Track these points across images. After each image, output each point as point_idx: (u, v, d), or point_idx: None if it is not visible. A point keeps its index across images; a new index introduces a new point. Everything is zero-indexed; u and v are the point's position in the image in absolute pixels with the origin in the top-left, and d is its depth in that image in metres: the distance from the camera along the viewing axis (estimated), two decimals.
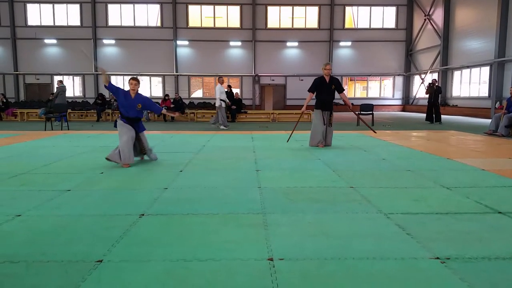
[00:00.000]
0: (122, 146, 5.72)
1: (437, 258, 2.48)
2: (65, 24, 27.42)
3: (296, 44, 27.97)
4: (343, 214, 3.41)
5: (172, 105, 17.86)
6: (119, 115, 6.13)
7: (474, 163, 5.92)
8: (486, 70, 20.02)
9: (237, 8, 27.65)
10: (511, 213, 3.39)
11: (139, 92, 6.21)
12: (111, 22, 27.50)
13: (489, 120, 11.85)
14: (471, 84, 21.67)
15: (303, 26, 28.11)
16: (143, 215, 3.38)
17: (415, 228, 3.04)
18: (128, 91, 6.07)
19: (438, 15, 24.26)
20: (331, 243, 2.74)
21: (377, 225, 3.14)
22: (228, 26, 27.82)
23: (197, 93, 28.29)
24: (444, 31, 23.27)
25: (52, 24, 27.37)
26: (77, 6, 27.22)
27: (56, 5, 27.25)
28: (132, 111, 6.01)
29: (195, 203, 3.78)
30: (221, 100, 13.20)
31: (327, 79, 7.92)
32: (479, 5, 20.39)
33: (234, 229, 3.04)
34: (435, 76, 24.00)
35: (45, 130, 12.26)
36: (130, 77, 6.51)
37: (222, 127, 13.22)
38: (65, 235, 2.92)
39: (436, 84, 15.52)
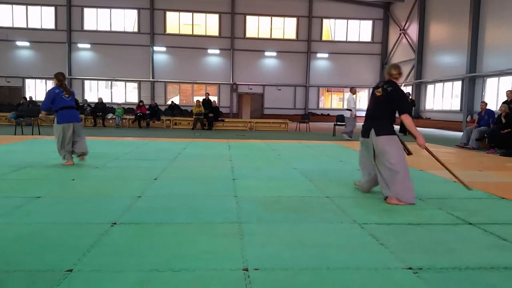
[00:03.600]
0: None
1: (410, 268, 2.51)
2: (38, 26, 26.81)
3: (274, 54, 28.22)
4: (319, 224, 3.42)
5: (147, 112, 17.66)
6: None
7: (446, 175, 6.04)
8: (458, 84, 20.66)
9: (216, 16, 27.72)
10: (481, 224, 3.47)
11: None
12: (86, 26, 27.05)
13: (461, 133, 12.19)
14: (444, 97, 22.31)
15: (281, 37, 28.42)
16: (115, 223, 3.30)
17: (388, 238, 3.07)
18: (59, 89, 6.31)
19: (413, 30, 24.95)
20: (306, 253, 2.74)
21: (352, 235, 3.16)
22: (207, 34, 27.84)
23: (174, 100, 28.08)
24: (419, 45, 23.94)
25: (25, 26, 26.71)
26: (52, 9, 26.69)
27: (29, 7, 26.63)
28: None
29: (169, 212, 3.72)
30: (348, 110, 12.61)
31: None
32: (451, 21, 21.10)
33: (209, 239, 3.00)
34: (409, 89, 24.61)
35: (15, 134, 11.89)
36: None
37: (347, 137, 12.58)
38: (34, 243, 2.81)
39: (410, 97, 15.91)
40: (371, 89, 29.13)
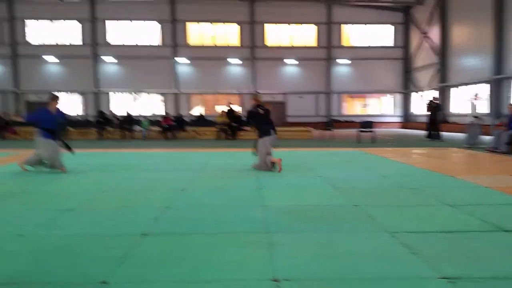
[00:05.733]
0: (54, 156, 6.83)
1: (444, 278, 2.45)
2: (66, 42, 27.72)
3: (295, 61, 28.26)
4: (348, 233, 3.38)
5: (173, 123, 17.92)
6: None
7: (477, 180, 5.90)
8: (484, 87, 20.17)
9: (236, 26, 28.02)
10: None
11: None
12: (111, 41, 27.81)
13: (489, 137, 11.85)
14: (469, 100, 21.80)
15: (301, 44, 28.47)
16: (145, 234, 3.35)
17: (420, 247, 3.00)
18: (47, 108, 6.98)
19: (434, 34, 24.58)
20: (336, 263, 2.71)
21: (382, 244, 3.10)
22: (228, 44, 28.15)
23: (197, 110, 28.46)
24: (441, 49, 23.53)
25: (53, 42, 27.67)
26: (78, 24, 27.58)
27: (57, 23, 27.59)
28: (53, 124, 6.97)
29: (197, 222, 3.75)
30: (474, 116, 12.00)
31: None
32: (474, 22, 20.68)
33: (237, 249, 3.00)
34: (434, 93, 24.17)
35: None
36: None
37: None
38: (68, 255, 2.88)
39: (436, 102, 15.61)
40: (395, 94, 28.85)
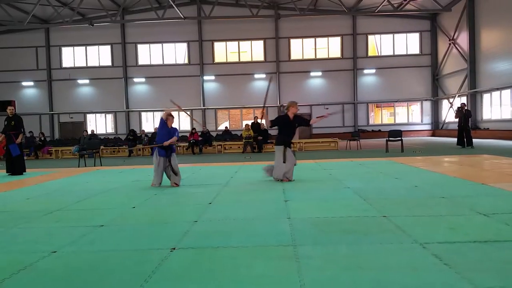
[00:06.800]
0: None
1: None
2: (97, 64, 28.72)
3: (319, 73, 28.22)
4: (377, 245, 3.31)
5: (200, 138, 18.17)
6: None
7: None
8: None
9: (261, 42, 28.31)
10: None
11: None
12: (140, 61, 28.62)
13: None
14: (502, 106, 21.14)
15: (326, 56, 28.43)
16: (174, 249, 3.39)
17: (453, 258, 2.92)
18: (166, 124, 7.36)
19: (463, 39, 24.08)
20: (365, 276, 2.67)
21: (413, 256, 3.03)
22: (253, 59, 28.46)
23: (224, 125, 28.75)
24: (470, 54, 23.01)
25: (84, 65, 28.73)
26: (108, 47, 28.55)
27: (88, 47, 28.68)
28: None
29: (225, 235, 3.77)
30: None
31: (291, 117, 7.59)
32: (503, 26, 20.16)
33: (265, 262, 3.00)
34: (464, 99, 23.58)
35: (78, 166, 12.63)
36: (163, 112, 7.67)
37: None
38: (100, 271, 2.95)
39: (465, 108, 15.22)
40: (423, 102, 28.29)
